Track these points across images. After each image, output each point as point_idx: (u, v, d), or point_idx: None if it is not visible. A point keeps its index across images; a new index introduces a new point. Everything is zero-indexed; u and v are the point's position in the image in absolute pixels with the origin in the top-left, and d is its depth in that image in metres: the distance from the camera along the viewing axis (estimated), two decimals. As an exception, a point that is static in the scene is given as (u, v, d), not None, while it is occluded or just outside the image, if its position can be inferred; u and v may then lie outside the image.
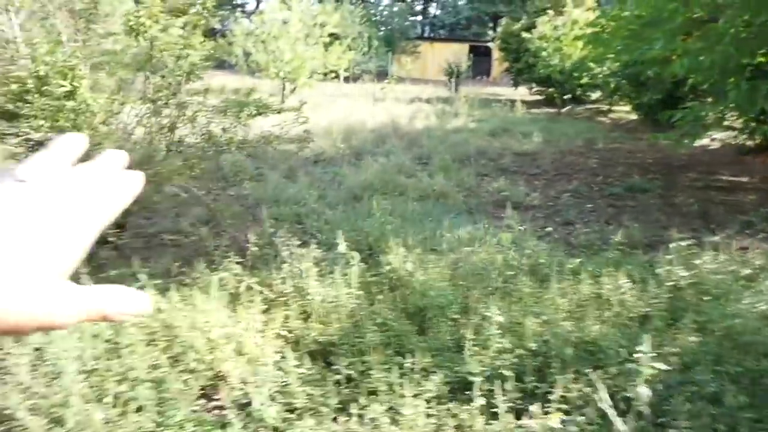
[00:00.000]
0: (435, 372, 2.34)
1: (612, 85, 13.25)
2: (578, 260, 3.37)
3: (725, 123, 8.33)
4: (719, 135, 9.65)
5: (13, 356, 2.35)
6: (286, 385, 2.30)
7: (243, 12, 36.30)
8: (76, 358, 2.39)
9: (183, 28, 4.14)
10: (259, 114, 4.38)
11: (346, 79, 21.16)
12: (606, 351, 2.35)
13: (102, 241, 3.70)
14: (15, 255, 0.31)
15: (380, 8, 33.16)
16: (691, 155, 8.79)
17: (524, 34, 15.26)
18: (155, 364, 2.39)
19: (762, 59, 5.68)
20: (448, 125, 10.79)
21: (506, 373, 2.22)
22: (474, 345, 2.32)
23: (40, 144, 3.70)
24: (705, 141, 9.69)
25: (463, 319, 2.86)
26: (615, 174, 7.31)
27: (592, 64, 13.00)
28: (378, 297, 2.91)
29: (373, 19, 28.09)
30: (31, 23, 3.93)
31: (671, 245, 3.22)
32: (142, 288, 2.82)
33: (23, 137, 3.61)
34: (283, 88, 14.87)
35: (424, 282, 3.00)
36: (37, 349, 2.46)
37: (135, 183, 0.39)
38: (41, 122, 3.40)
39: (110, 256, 3.63)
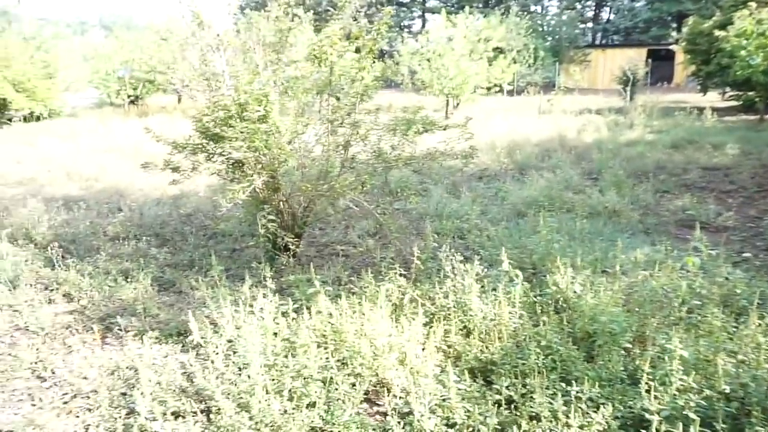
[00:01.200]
0: (604, 404, 2.17)
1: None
2: (787, 292, 2.87)
3: None
4: None
5: (211, 345, 2.71)
6: (445, 399, 2.31)
7: (410, 32, 37.90)
8: (260, 353, 2.68)
9: (358, 52, 4.45)
10: (426, 131, 4.52)
11: (510, 93, 20.82)
12: (826, 404, 1.97)
13: (283, 248, 4.12)
14: None
15: (548, 18, 32.07)
16: None
17: (717, 32, 13.54)
18: (325, 364, 2.57)
19: None
20: (621, 137, 9.99)
21: (691, 415, 1.97)
22: (651, 379, 2.10)
23: (238, 162, 4.26)
24: None
25: (638, 350, 2.62)
26: (840, 191, 6.10)
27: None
28: (542, 318, 2.79)
29: (540, 29, 27.29)
30: (235, 58, 4.56)
31: None
32: (316, 293, 3.08)
33: (226, 156, 4.17)
34: (447, 104, 15.14)
35: (594, 306, 2.80)
36: (230, 341, 2.81)
37: None
38: (240, 143, 3.91)
39: (289, 263, 4.01)
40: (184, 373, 2.78)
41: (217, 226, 5.40)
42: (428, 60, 14.62)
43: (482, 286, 3.10)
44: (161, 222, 5.68)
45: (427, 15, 41.36)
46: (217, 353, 2.69)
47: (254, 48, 4.32)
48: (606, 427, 2.11)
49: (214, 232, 5.35)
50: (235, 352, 2.78)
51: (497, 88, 16.42)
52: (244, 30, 5.10)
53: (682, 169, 7.49)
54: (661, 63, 26.72)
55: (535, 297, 3.04)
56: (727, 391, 2.13)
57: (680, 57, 20.25)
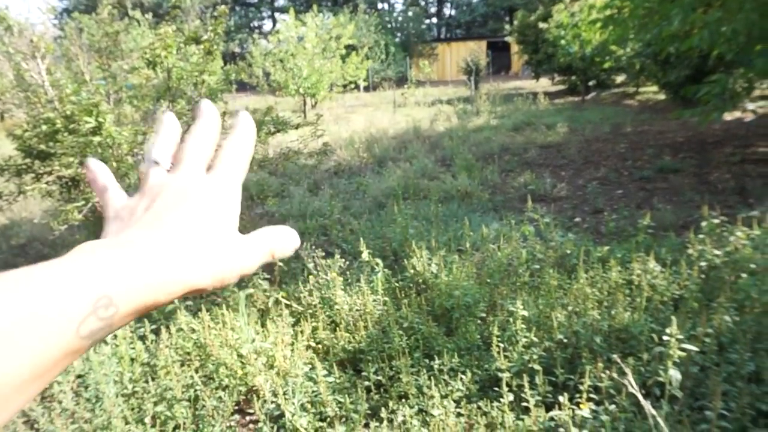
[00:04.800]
0: (464, 371, 2.33)
1: (637, 66, 12.94)
2: (606, 248, 3.30)
3: (760, 92, 8.02)
4: (754, 106, 9.30)
5: (57, 384, 2.45)
6: (316, 394, 2.33)
7: (260, 33, 37.11)
8: (116, 382, 2.48)
9: (196, 55, 4.27)
10: (278, 131, 4.47)
11: (366, 89, 21.33)
12: (637, 337, 2.30)
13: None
14: (211, 224, 0.36)
15: (395, 14, 33.31)
16: (726, 129, 8.49)
17: (541, 25, 15.08)
18: (190, 383, 2.45)
19: (788, 23, 5.45)
20: (469, 125, 10.73)
21: (535, 366, 2.20)
22: (501, 341, 2.30)
23: (73, 180, 3.89)
24: (739, 113, 9.35)
25: (491, 317, 2.84)
26: (645, 157, 7.12)
27: (613, 47, 12.72)
28: (404, 301, 2.91)
29: (389, 26, 28.27)
30: (56, 67, 4.13)
31: (703, 224, 3.12)
32: (175, 309, 2.92)
33: (56, 175, 3.77)
34: (304, 104, 15.09)
35: (449, 283, 2.98)
36: (79, 376, 2.56)
37: (248, 128, 0.43)
38: (71, 159, 3.56)
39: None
40: (27, 421, 2.48)
41: (60, 254, 4.87)
42: (281, 60, 14.44)
43: (345, 279, 3.16)
44: (-13, 257, 4.99)
45: (276, 15, 40.76)
46: (64, 392, 2.44)
47: (77, 54, 3.94)
48: (467, 392, 2.27)
49: (55, 260, 4.81)
50: (86, 387, 2.54)
51: (353, 85, 16.71)
52: (74, 35, 4.65)
53: (523, 149, 8.24)
54: (499, 53, 29.09)
55: (397, 282, 3.16)
56: (563, 339, 2.40)
57: (515, 47, 22.22)
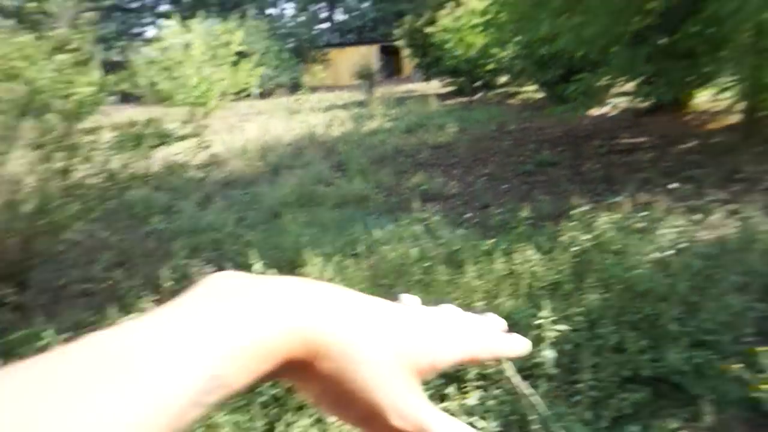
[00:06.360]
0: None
1: (517, 67, 13.81)
2: (492, 241, 3.49)
3: (622, 89, 8.88)
4: (618, 101, 10.29)
5: None
6: (210, 417, 2.24)
7: (143, 41, 35.06)
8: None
9: (62, 66, 3.96)
10: (161, 144, 4.26)
11: (261, 95, 20.92)
12: (519, 323, 2.45)
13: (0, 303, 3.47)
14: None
15: (284, 20, 32.99)
16: (595, 124, 9.31)
17: (428, 29, 15.64)
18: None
19: (638, 26, 6.09)
20: (364, 128, 10.86)
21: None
22: (394, 340, 2.35)
23: None
24: (606, 108, 10.30)
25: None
26: (527, 152, 7.61)
27: (494, 50, 13.50)
28: (300, 310, 2.89)
29: (279, 32, 27.94)
30: None
31: (572, 212, 3.39)
32: (47, 346, 2.67)
33: None
34: (194, 114, 14.49)
35: (345, 287, 3.00)
36: None
37: (517, 345, 0.39)
38: None
39: (12, 319, 3.40)
40: None
41: None
42: (167, 69, 13.77)
43: (239, 293, 3.07)
44: None
45: (159, 21, 38.73)
46: None
47: None
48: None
49: None
50: None
51: (245, 93, 16.30)
52: None
53: (416, 150, 8.48)
54: (391, 57, 29.76)
55: (292, 291, 3.13)
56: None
57: (405, 51, 22.82)
